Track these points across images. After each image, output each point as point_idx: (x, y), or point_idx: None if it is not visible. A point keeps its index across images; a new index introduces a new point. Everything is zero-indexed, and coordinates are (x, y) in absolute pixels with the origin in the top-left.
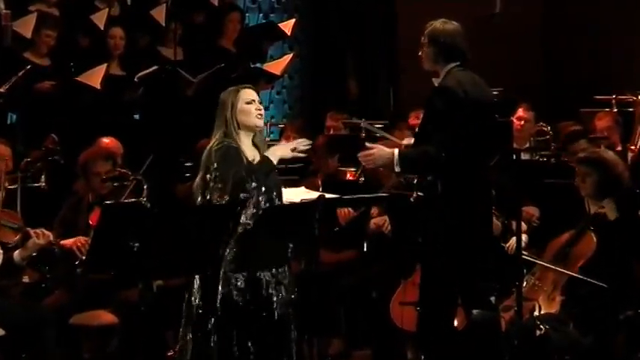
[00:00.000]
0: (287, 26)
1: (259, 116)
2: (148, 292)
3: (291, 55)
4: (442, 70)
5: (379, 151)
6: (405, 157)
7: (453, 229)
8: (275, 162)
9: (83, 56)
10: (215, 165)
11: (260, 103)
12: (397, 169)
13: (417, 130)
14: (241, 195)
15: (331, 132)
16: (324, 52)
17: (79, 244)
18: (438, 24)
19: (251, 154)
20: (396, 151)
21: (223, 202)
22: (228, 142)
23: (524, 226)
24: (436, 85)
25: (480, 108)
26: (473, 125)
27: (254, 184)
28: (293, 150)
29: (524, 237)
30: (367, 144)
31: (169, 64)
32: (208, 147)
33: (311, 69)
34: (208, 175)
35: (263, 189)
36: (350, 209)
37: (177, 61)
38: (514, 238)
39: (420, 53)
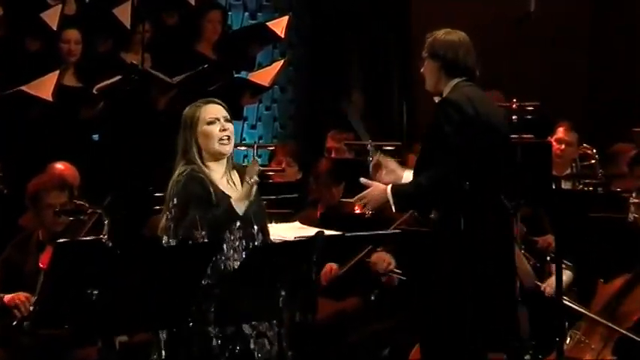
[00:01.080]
0: (279, 26)
1: (224, 140)
2: (110, 351)
3: (282, 62)
4: (445, 87)
5: (372, 191)
6: (399, 193)
7: (463, 274)
8: (242, 212)
9: (31, 63)
10: (174, 200)
11: (228, 121)
12: (394, 208)
13: (418, 155)
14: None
15: (332, 155)
16: (324, 59)
17: (17, 300)
18: (439, 34)
19: (225, 184)
20: (389, 188)
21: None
22: (192, 170)
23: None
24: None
25: (491, 130)
26: (484, 149)
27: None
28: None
29: (566, 275)
30: (362, 180)
31: (135, 73)
32: (172, 178)
33: (307, 79)
34: (168, 214)
35: (238, 223)
36: (334, 266)
37: (145, 69)
38: (553, 279)
39: (421, 70)
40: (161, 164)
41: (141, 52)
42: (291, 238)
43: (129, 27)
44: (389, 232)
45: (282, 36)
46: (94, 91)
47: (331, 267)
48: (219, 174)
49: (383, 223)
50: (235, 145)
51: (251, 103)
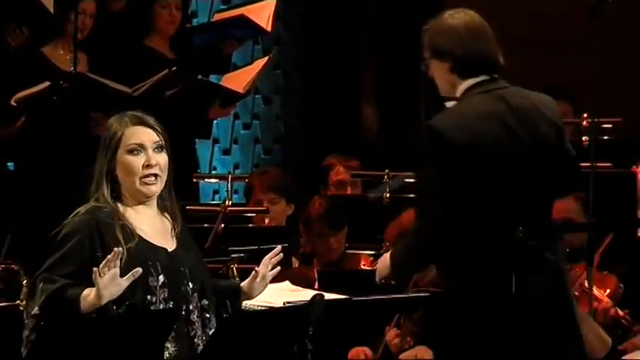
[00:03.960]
0: (262, 14)
1: (150, 178)
2: None
3: (264, 61)
4: (459, 92)
5: (380, 262)
6: (392, 260)
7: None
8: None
9: None
10: (54, 246)
11: (160, 150)
12: (392, 281)
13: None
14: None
15: (348, 191)
16: (322, 60)
17: None
18: (438, 24)
19: (151, 229)
20: (388, 255)
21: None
22: (97, 208)
23: None
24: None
25: (503, 158)
26: (490, 178)
27: None
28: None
29: None
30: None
31: (66, 79)
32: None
33: (300, 87)
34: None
35: (161, 278)
36: (367, 350)
37: (79, 73)
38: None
39: (429, 74)
40: None
41: (73, 48)
42: (279, 305)
43: (54, 13)
44: (412, 295)
45: (268, 28)
46: (13, 102)
47: (364, 352)
48: (145, 215)
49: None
50: (204, 177)
51: (222, 115)
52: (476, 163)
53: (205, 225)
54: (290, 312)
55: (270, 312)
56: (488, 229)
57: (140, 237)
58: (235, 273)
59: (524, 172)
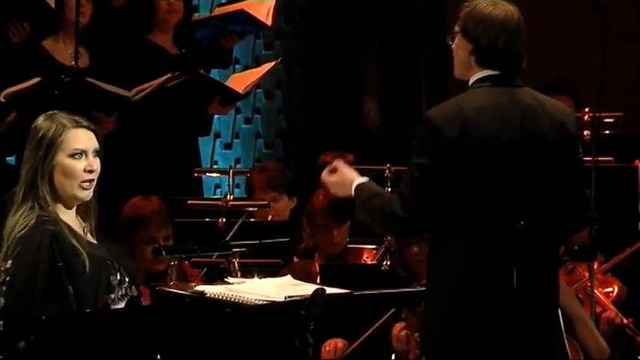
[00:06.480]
0: (262, 9)
1: (86, 184)
2: None
3: (270, 65)
4: (472, 77)
5: (341, 177)
6: (357, 198)
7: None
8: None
9: None
10: (9, 262)
11: (96, 154)
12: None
13: None
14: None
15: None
16: (324, 54)
17: None
18: (479, 6)
19: (78, 229)
20: (355, 184)
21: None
22: (42, 217)
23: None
24: None
25: (502, 150)
26: (482, 178)
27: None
28: None
29: None
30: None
31: (66, 74)
32: (10, 226)
33: (302, 81)
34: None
35: (118, 276)
36: (340, 343)
37: (80, 68)
38: None
39: (451, 46)
40: (105, 198)
41: (74, 44)
42: (281, 299)
43: (54, 8)
44: (414, 289)
45: (268, 23)
46: (2, 98)
47: (336, 344)
48: (70, 219)
49: (405, 278)
50: (205, 171)
51: (221, 113)
52: (469, 155)
53: (207, 219)
54: (291, 306)
55: (272, 306)
56: (478, 220)
57: (87, 240)
58: (237, 267)
59: (518, 166)
